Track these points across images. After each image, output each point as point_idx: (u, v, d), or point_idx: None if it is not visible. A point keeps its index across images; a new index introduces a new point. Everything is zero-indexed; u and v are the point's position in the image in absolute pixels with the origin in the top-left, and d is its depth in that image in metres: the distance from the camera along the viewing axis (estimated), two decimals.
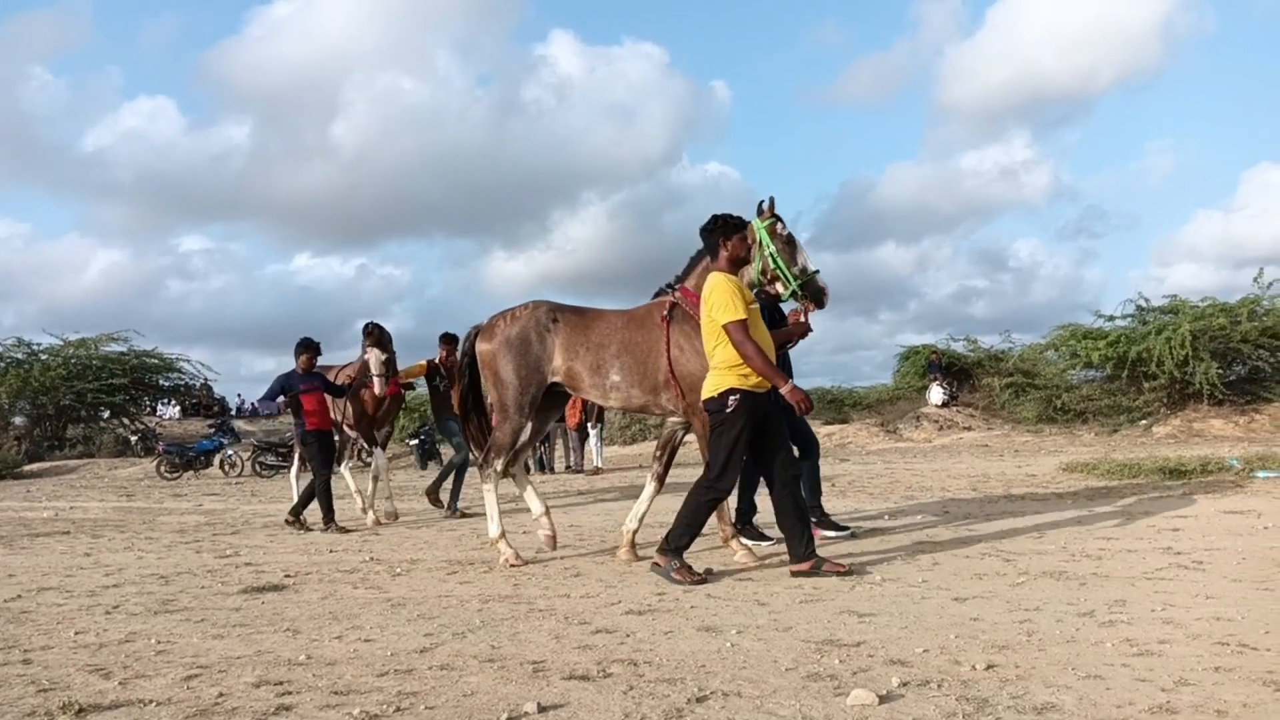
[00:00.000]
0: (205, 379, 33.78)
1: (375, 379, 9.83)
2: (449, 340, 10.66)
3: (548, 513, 6.77)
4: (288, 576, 6.29)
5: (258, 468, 20.93)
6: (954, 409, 26.84)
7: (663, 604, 4.93)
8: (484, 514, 6.81)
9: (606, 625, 4.47)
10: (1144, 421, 21.41)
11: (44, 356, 29.53)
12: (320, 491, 9.33)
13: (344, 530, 9.08)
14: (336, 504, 9.57)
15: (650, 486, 6.62)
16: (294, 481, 11.31)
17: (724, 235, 5.73)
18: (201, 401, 36.76)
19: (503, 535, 6.62)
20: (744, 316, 5.46)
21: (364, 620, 4.79)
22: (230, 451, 21.67)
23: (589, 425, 18.19)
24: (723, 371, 5.53)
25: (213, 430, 23.53)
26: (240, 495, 14.82)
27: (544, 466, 18.38)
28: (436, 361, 10.72)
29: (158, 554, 7.74)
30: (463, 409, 7.10)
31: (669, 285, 6.53)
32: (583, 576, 5.94)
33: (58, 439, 29.29)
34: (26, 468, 24.33)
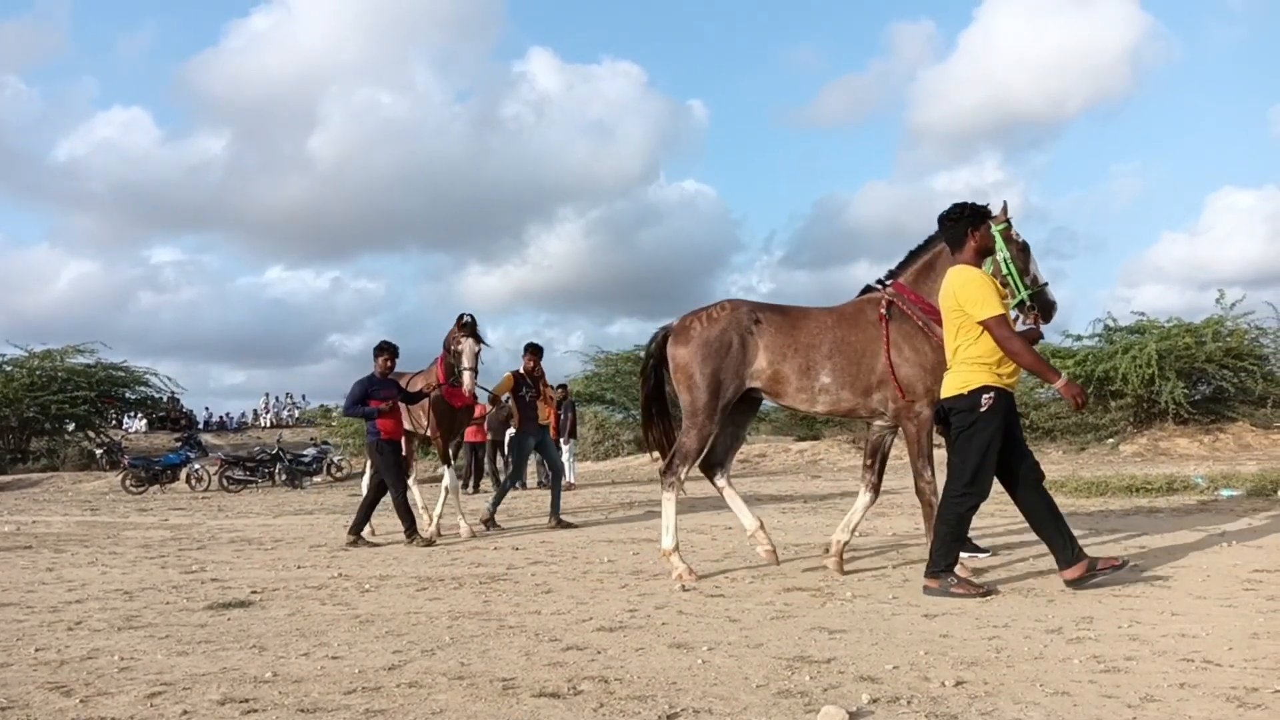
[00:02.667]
0: (173, 392, 33.40)
1: (466, 373, 9.45)
2: (534, 350, 10.52)
3: (762, 526, 6.57)
4: (254, 592, 6.21)
5: (225, 482, 20.69)
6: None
7: (634, 621, 4.92)
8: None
9: (577, 642, 4.45)
10: (1111, 440, 21.64)
11: (8, 368, 29.08)
12: (399, 505, 9.05)
13: (429, 543, 8.81)
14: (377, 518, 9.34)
15: (865, 496, 6.34)
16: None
17: (972, 225, 5.41)
18: (169, 415, 36.32)
19: (676, 549, 6.31)
20: (1004, 311, 5.20)
21: (331, 637, 4.74)
22: (197, 466, 21.42)
23: (561, 440, 18.12)
24: (973, 368, 5.23)
25: (180, 444, 23.26)
26: (207, 510, 14.63)
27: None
28: (522, 372, 10.48)
29: (122, 569, 7.63)
30: (646, 413, 6.82)
31: (880, 281, 6.28)
32: (554, 593, 5.91)
33: (21, 452, 28.83)
34: None
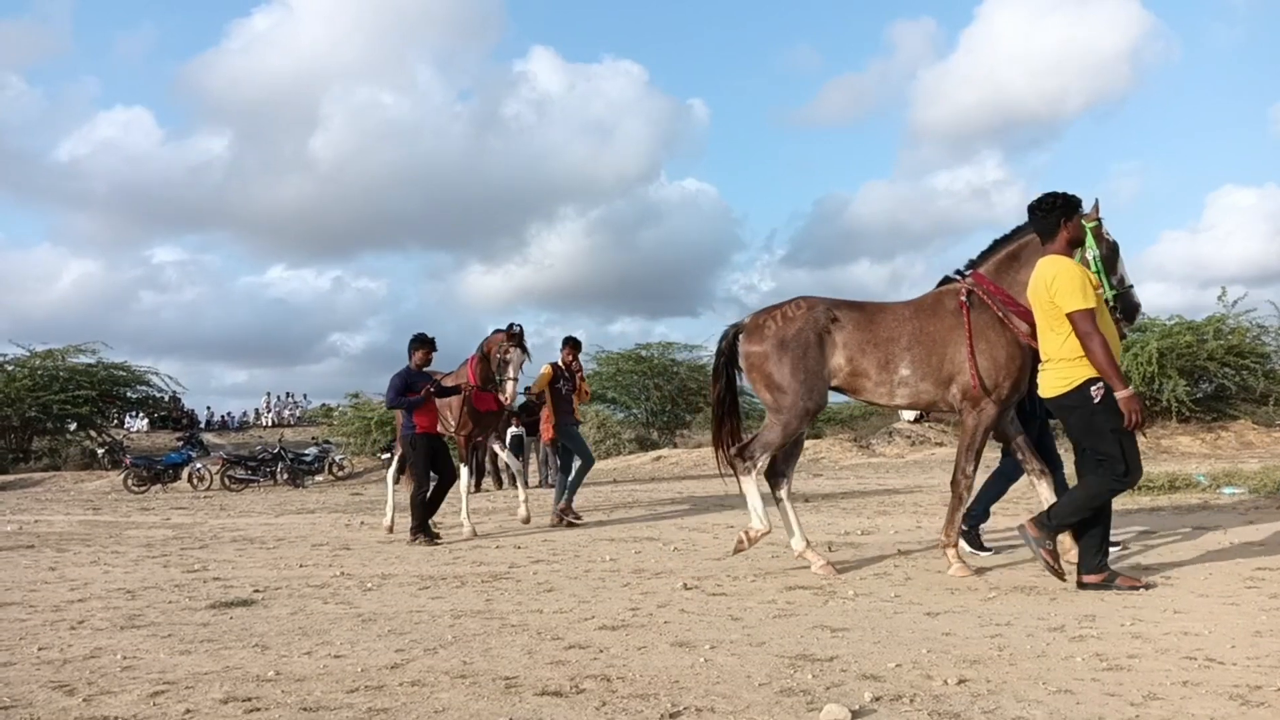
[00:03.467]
0: (174, 392, 33.42)
1: (509, 382, 9.43)
2: (573, 344, 10.50)
3: (811, 546, 6.43)
4: (257, 591, 6.22)
5: (227, 481, 20.71)
6: (926, 425, 27.00)
7: (636, 619, 4.92)
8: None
9: (580, 641, 4.45)
10: None
11: (9, 368, 29.11)
12: (414, 500, 9.06)
13: (433, 541, 8.79)
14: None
15: (1042, 486, 6.15)
16: (390, 486, 10.97)
17: (1065, 215, 5.30)
18: (170, 414, 36.35)
19: (769, 529, 6.33)
20: (1093, 305, 5.10)
21: (334, 636, 4.74)
22: (199, 465, 21.44)
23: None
24: (1074, 363, 5.14)
25: (181, 443, 23.27)
26: (209, 509, 14.64)
27: (515, 481, 18.29)
28: (560, 364, 10.44)
29: (124, 568, 7.63)
30: (718, 411, 6.71)
31: (959, 271, 6.20)
32: (556, 591, 5.92)
33: (23, 451, 28.85)
34: None
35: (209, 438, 29.98)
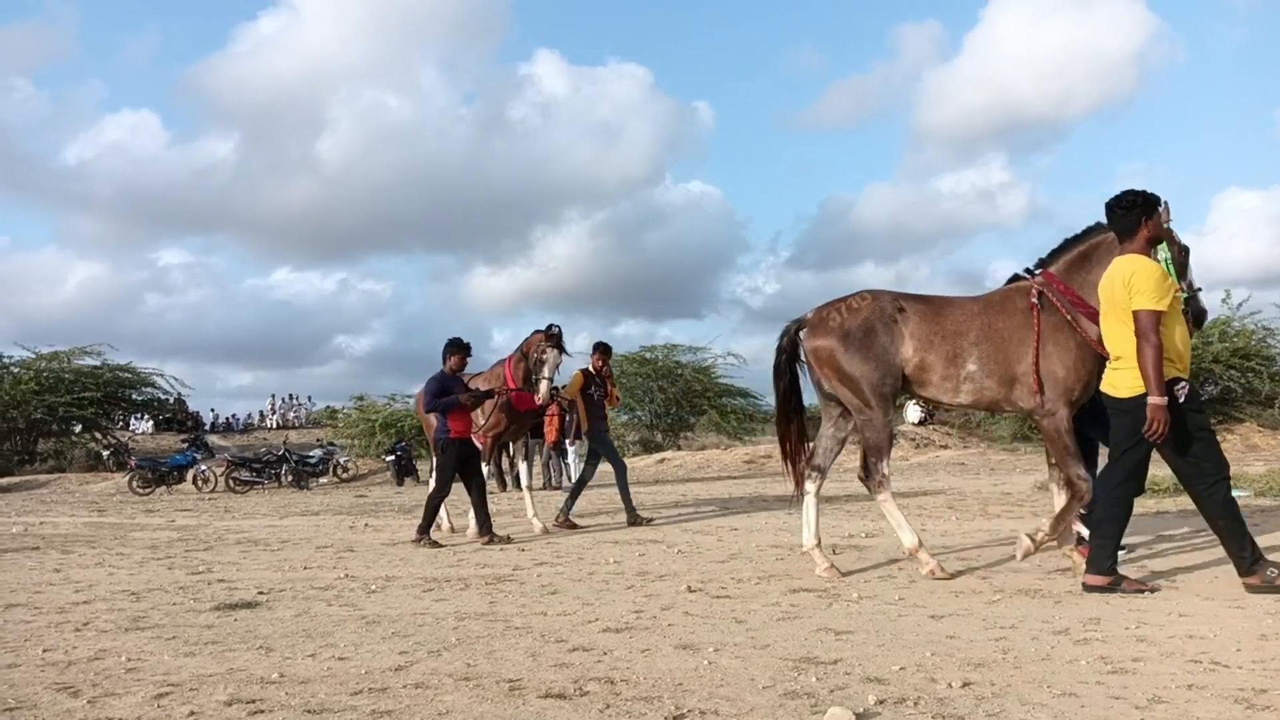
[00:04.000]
0: (179, 394, 33.47)
1: (545, 382, 9.44)
2: (603, 349, 10.49)
3: (819, 547, 6.37)
4: (261, 593, 6.22)
5: (231, 483, 20.73)
6: (930, 427, 27.00)
7: (640, 622, 4.92)
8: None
9: (583, 643, 4.45)
10: None
11: (15, 369, 29.16)
12: (431, 503, 9.04)
13: (436, 545, 8.74)
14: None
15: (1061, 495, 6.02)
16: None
17: (1145, 214, 5.20)
18: (175, 416, 36.42)
19: (921, 545, 6.13)
20: (1163, 309, 5.02)
21: (338, 638, 4.75)
22: (204, 467, 21.47)
23: (567, 443, 18.12)
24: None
25: (186, 445, 23.29)
26: (214, 511, 14.66)
27: (519, 484, 18.29)
28: (591, 370, 10.40)
29: (129, 570, 7.64)
30: (784, 411, 6.62)
31: (1028, 270, 6.12)
32: (560, 594, 5.92)
33: (28, 453, 28.90)
34: None
35: (214, 440, 30.03)
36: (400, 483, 21.36)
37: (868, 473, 6.19)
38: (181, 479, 21.34)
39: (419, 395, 10.99)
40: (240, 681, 3.91)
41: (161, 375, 32.02)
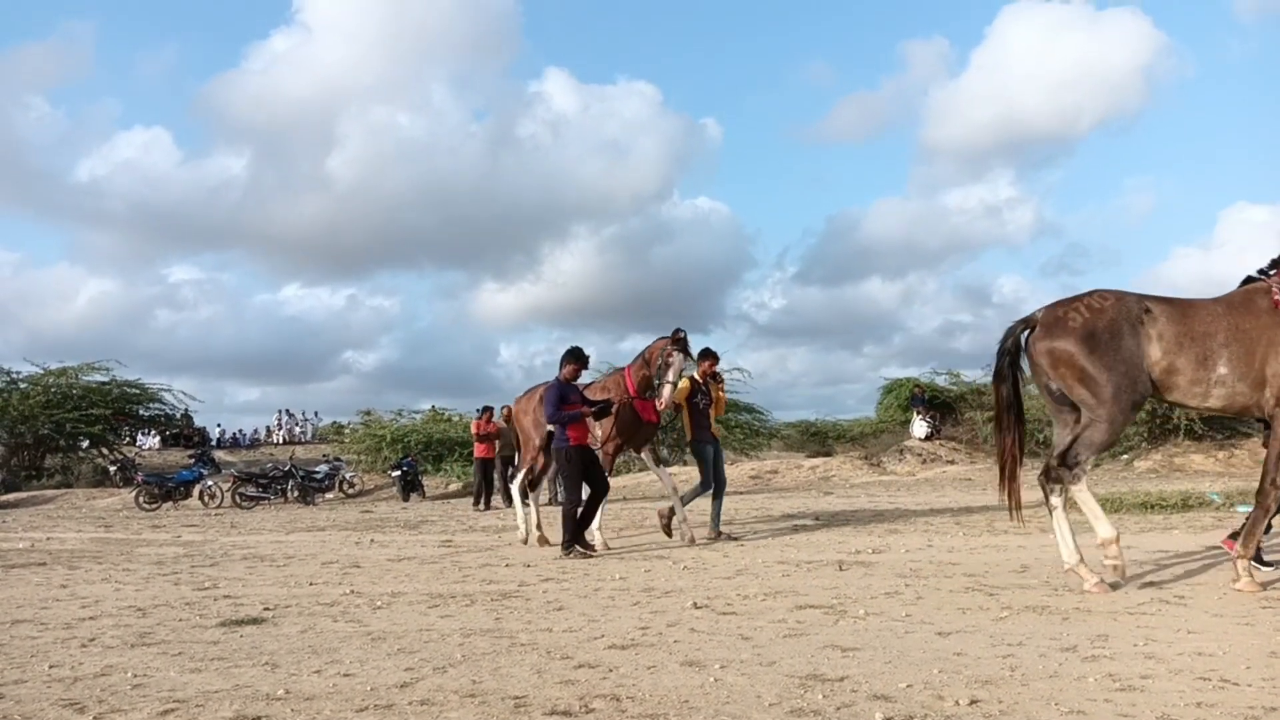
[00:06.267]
0: (186, 409, 33.55)
1: (667, 386, 9.29)
2: (712, 355, 10.26)
3: (1083, 562, 6.00)
4: (267, 609, 6.22)
5: (237, 499, 20.74)
6: (937, 442, 26.91)
7: (646, 639, 4.91)
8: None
9: (589, 660, 4.44)
10: (1125, 456, 21.51)
11: (23, 385, 29.28)
12: (567, 514, 8.95)
13: (587, 554, 8.72)
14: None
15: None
16: (519, 499, 10.78)
17: None
18: (182, 431, 36.48)
19: (1117, 538, 5.95)
20: None
21: (344, 654, 4.74)
22: (210, 482, 21.47)
23: None
24: None
25: (192, 461, 23.32)
26: (220, 527, 14.67)
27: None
28: (698, 378, 10.09)
29: (135, 586, 7.65)
30: (1005, 418, 6.38)
31: (1262, 271, 5.99)
32: (566, 610, 5.90)
33: (35, 468, 28.96)
34: (2, 498, 24.04)
35: (220, 455, 30.03)
36: (406, 498, 21.35)
37: (1067, 461, 5.94)
38: (188, 494, 21.35)
39: (518, 401, 11.05)
40: (246, 698, 3.91)
41: (169, 391, 32.15)
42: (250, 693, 4.00)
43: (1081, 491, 5.96)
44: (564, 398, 8.96)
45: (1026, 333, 6.26)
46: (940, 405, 29.92)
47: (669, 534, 9.87)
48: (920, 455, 25.43)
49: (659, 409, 9.58)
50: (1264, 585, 5.77)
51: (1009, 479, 6.35)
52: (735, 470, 23.50)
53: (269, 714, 3.65)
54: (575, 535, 8.88)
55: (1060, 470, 6.00)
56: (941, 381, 30.95)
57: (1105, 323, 5.83)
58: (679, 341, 9.36)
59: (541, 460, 10.57)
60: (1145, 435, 21.96)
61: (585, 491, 9.96)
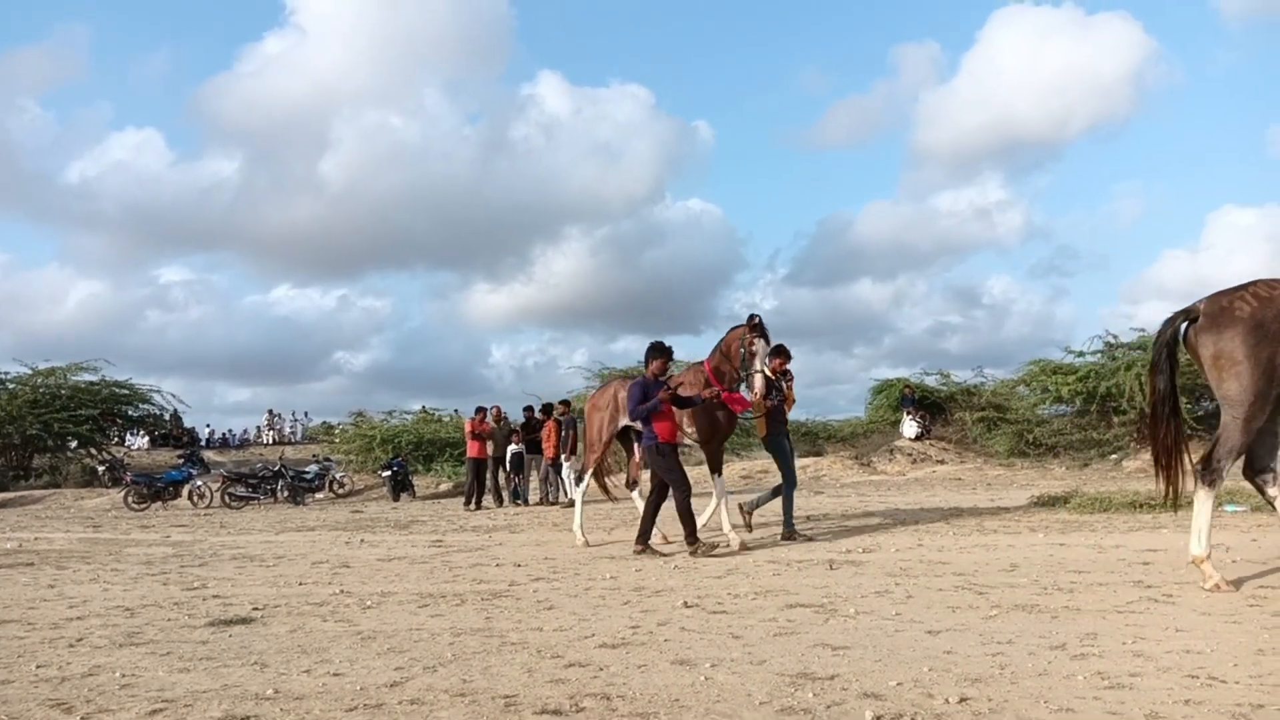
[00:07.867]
0: (175, 409, 33.41)
1: (757, 375, 8.90)
2: (784, 352, 10.00)
3: (1209, 558, 5.88)
4: (256, 609, 6.20)
5: (227, 499, 20.65)
6: (927, 442, 26.96)
7: (636, 638, 4.90)
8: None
9: (580, 659, 4.43)
10: (1114, 456, 21.59)
11: (11, 385, 29.12)
12: (682, 510, 8.72)
13: (711, 551, 8.56)
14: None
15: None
16: (578, 497, 10.74)
17: None
18: (170, 432, 36.33)
19: (1208, 557, 5.82)
20: None
21: (333, 654, 4.73)
22: (199, 482, 21.38)
23: (562, 458, 18.11)
24: None
25: (181, 461, 23.22)
26: (209, 527, 14.61)
27: (518, 497, 18.27)
28: (770, 373, 9.49)
29: (124, 586, 7.61)
30: (1161, 412, 6.18)
31: None
32: (556, 610, 5.90)
33: (23, 469, 28.79)
34: None
35: (209, 455, 29.93)
36: (396, 498, 21.29)
37: (1207, 465, 5.80)
38: (177, 494, 21.25)
39: (591, 397, 10.93)
40: (235, 698, 3.89)
41: (158, 391, 32.01)
42: (239, 692, 3.98)
43: (1206, 500, 5.81)
44: (648, 395, 8.85)
45: (1186, 324, 6.06)
46: (930, 405, 29.99)
47: (750, 529, 9.98)
48: (910, 455, 25.48)
49: (752, 399, 9.31)
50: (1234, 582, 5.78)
51: (1166, 469, 6.20)
52: (728, 470, 23.48)
53: (258, 714, 3.64)
54: (693, 531, 8.70)
55: (1197, 471, 5.86)
56: (931, 382, 31.00)
57: (1275, 314, 5.57)
58: (756, 328, 9.08)
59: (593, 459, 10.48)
60: (1134, 435, 22.03)
61: (639, 490, 10.09)
